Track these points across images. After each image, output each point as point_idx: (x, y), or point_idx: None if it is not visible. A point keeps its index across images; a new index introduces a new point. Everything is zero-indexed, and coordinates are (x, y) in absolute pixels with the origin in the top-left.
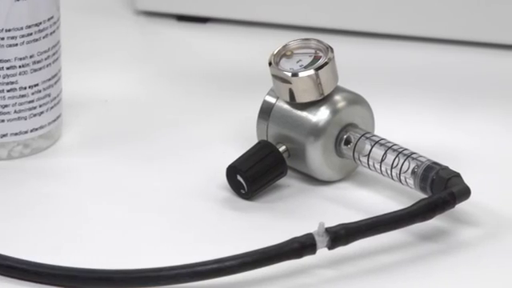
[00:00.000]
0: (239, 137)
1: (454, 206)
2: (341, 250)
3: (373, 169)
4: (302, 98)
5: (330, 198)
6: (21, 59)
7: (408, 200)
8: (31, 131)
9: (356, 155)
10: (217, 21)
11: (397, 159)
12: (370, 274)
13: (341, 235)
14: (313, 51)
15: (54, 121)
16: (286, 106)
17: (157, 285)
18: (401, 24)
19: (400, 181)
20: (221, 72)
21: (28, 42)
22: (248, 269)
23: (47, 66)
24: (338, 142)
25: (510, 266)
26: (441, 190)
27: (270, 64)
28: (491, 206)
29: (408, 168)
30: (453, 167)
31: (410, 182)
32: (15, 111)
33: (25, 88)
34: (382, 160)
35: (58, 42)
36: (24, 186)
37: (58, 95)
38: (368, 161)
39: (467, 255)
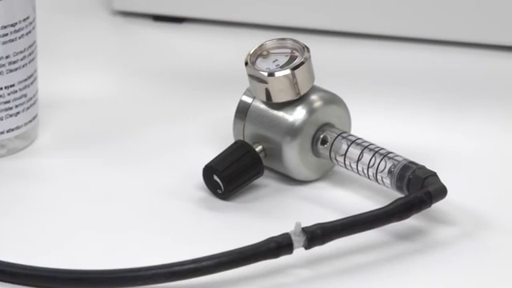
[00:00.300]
0: (216, 137)
1: (430, 206)
2: (317, 250)
3: (349, 168)
4: (278, 97)
5: (307, 197)
6: None
7: (384, 199)
8: (7, 132)
9: (332, 155)
10: (193, 21)
11: (373, 159)
12: (347, 274)
13: (317, 235)
14: (289, 51)
15: (31, 121)
16: (263, 106)
17: (134, 285)
18: (377, 24)
19: (376, 180)
20: (197, 72)
21: (4, 43)
22: (225, 269)
23: (23, 66)
24: (314, 141)
25: (486, 265)
26: (417, 190)
27: (246, 64)
28: (467, 205)
29: (384, 167)
30: (429, 166)
31: (387, 181)
32: None
33: (1, 88)
34: (359, 159)
35: (34, 43)
36: (0, 187)
37: (34, 95)
38: (344, 160)
39: (443, 254)
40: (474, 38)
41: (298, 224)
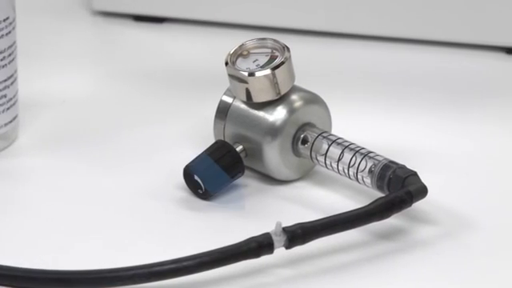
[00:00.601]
0: (196, 137)
1: (411, 205)
2: (298, 250)
3: (330, 168)
4: (258, 97)
5: (288, 197)
6: None
7: (365, 199)
8: None
9: (313, 154)
10: (173, 21)
11: (354, 158)
12: (328, 273)
13: (298, 234)
14: (269, 51)
15: (11, 122)
16: (243, 106)
17: (114, 285)
18: (357, 23)
19: (357, 180)
20: (178, 72)
21: None
22: (206, 269)
23: (3, 66)
24: (295, 141)
25: (467, 264)
26: (398, 189)
27: (226, 64)
28: (448, 204)
29: (365, 167)
30: (409, 166)
31: (367, 180)
32: None
33: None
34: (339, 159)
35: (14, 43)
36: None
37: (14, 96)
38: (325, 160)
39: (424, 253)
40: (463, 38)
41: (278, 224)
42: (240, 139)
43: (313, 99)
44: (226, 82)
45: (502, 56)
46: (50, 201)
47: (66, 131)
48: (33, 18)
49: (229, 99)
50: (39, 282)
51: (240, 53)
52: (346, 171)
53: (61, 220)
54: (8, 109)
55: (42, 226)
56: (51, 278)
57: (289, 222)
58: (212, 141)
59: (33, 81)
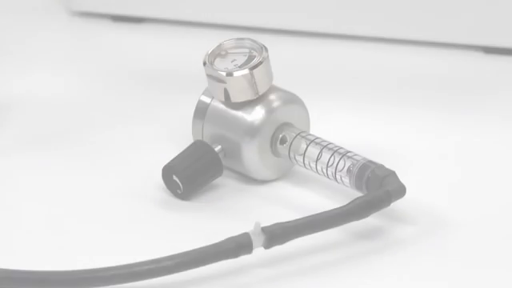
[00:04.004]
0: (175, 137)
1: (389, 204)
2: (277, 250)
3: (308, 168)
4: (237, 97)
5: (266, 197)
6: None
7: (344, 199)
8: None
9: (292, 154)
10: (152, 21)
11: (332, 158)
12: (307, 273)
13: (277, 234)
14: (247, 51)
15: None
16: (222, 106)
17: (93, 286)
18: (333, 23)
19: (336, 179)
20: (156, 72)
21: None
22: (185, 269)
23: None
24: (273, 141)
25: (446, 262)
26: (376, 189)
27: (204, 64)
28: (426, 203)
29: (343, 167)
30: (388, 165)
31: (346, 180)
32: None
33: None
34: (318, 159)
35: None
36: None
37: None
38: (304, 160)
39: (403, 253)
40: (441, 38)
41: (257, 224)
42: (218, 139)
43: (291, 99)
44: (205, 82)
45: (480, 55)
46: (26, 201)
47: (43, 132)
48: (11, 18)
49: (207, 99)
50: (18, 283)
51: (218, 53)
52: (325, 171)
53: (38, 221)
54: None
55: (20, 227)
56: (30, 278)
57: (268, 221)
58: (191, 141)
59: (11, 81)
